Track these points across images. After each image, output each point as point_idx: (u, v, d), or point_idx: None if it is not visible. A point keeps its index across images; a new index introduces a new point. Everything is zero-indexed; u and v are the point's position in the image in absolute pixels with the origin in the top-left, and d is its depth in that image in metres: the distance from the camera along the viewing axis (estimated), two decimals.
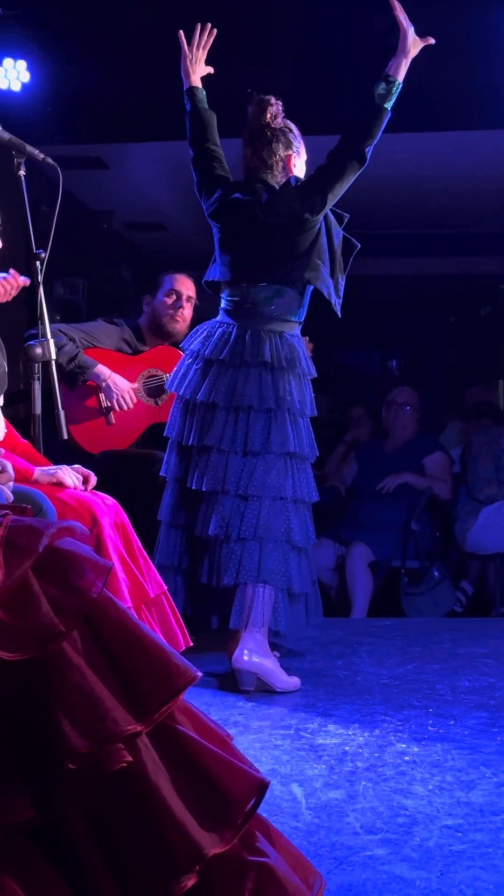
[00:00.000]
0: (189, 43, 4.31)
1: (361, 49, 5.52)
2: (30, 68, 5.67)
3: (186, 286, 4.94)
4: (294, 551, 4.00)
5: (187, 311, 4.92)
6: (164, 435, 4.18)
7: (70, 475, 3.38)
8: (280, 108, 4.14)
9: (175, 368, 4.20)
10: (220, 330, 4.09)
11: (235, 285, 4.13)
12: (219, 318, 4.18)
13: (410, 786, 2.85)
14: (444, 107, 5.95)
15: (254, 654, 3.87)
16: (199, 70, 4.33)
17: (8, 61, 5.65)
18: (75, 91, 5.93)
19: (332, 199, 4.04)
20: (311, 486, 4.09)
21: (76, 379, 4.57)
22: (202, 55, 4.33)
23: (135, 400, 4.68)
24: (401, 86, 4.02)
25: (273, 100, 4.13)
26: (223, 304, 4.18)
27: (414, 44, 4.04)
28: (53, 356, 3.59)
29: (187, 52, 4.31)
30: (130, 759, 1.75)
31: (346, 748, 3.18)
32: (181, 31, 4.29)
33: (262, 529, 3.93)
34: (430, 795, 2.78)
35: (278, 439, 3.96)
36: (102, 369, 4.59)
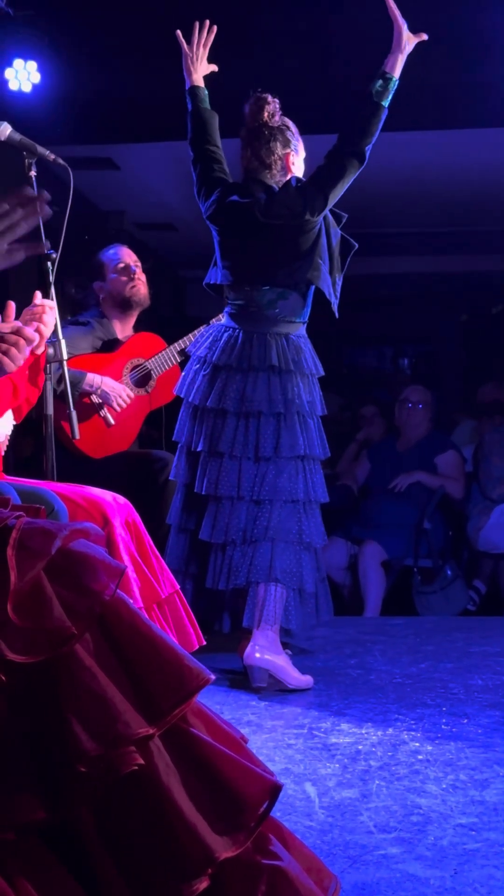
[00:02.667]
0: (189, 41, 4.31)
1: (359, 46, 5.53)
2: (40, 69, 5.68)
3: (129, 254, 4.91)
4: (306, 551, 4.01)
5: (142, 275, 4.88)
6: (174, 439, 4.20)
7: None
8: (277, 106, 4.14)
9: (183, 374, 4.23)
10: (226, 335, 4.11)
11: (238, 289, 4.14)
12: (224, 321, 4.20)
13: (424, 784, 2.85)
14: (455, 104, 5.95)
15: (266, 651, 3.88)
16: (200, 69, 4.33)
17: (18, 62, 5.65)
18: (86, 92, 5.93)
19: (333, 198, 4.04)
20: (322, 486, 4.11)
21: (73, 396, 4.51)
22: (203, 53, 4.33)
23: (131, 396, 4.67)
24: (397, 82, 4.02)
25: (270, 98, 4.14)
26: (227, 307, 4.19)
27: (408, 40, 4.04)
28: (65, 356, 3.59)
29: (187, 50, 4.31)
30: (142, 761, 1.75)
31: (360, 747, 3.18)
32: (179, 31, 4.28)
33: (273, 530, 3.95)
34: (444, 794, 2.78)
35: (288, 443, 3.98)
36: (93, 377, 4.55)
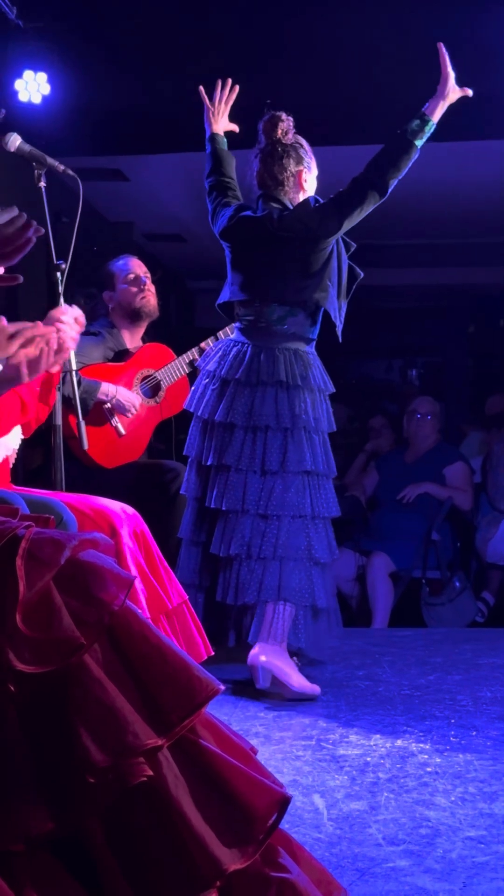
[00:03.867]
0: (211, 98, 4.38)
1: (366, 59, 5.55)
2: (50, 81, 5.69)
3: (139, 265, 4.92)
4: (317, 567, 4.04)
5: (152, 286, 4.89)
6: (184, 453, 4.22)
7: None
8: (291, 123, 4.18)
9: (193, 388, 4.25)
10: (235, 349, 4.13)
11: (248, 305, 4.16)
12: (234, 336, 4.22)
13: (433, 797, 2.84)
14: (462, 116, 5.95)
15: (270, 654, 3.89)
16: (221, 123, 4.42)
17: (28, 74, 5.66)
18: (95, 103, 5.95)
19: (348, 224, 4.05)
20: (331, 501, 4.12)
21: (87, 405, 4.51)
22: (224, 109, 4.41)
23: (145, 406, 4.67)
24: (434, 127, 4.03)
25: (284, 115, 4.17)
26: (237, 323, 4.21)
27: (453, 90, 4.05)
28: (74, 367, 3.60)
29: (209, 105, 4.39)
30: (151, 773, 1.74)
31: (368, 759, 3.18)
32: (202, 87, 4.36)
33: (282, 548, 3.96)
34: (453, 806, 2.77)
35: (295, 458, 3.99)
36: (107, 387, 4.55)
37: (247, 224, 4.14)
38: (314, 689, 3.95)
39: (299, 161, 4.16)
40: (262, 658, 3.89)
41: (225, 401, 4.05)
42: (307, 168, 4.19)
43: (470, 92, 4.07)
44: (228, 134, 4.42)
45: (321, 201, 4.09)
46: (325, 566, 4.09)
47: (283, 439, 4.00)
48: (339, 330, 4.16)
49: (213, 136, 4.40)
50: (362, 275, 4.22)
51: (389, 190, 4.04)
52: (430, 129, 4.02)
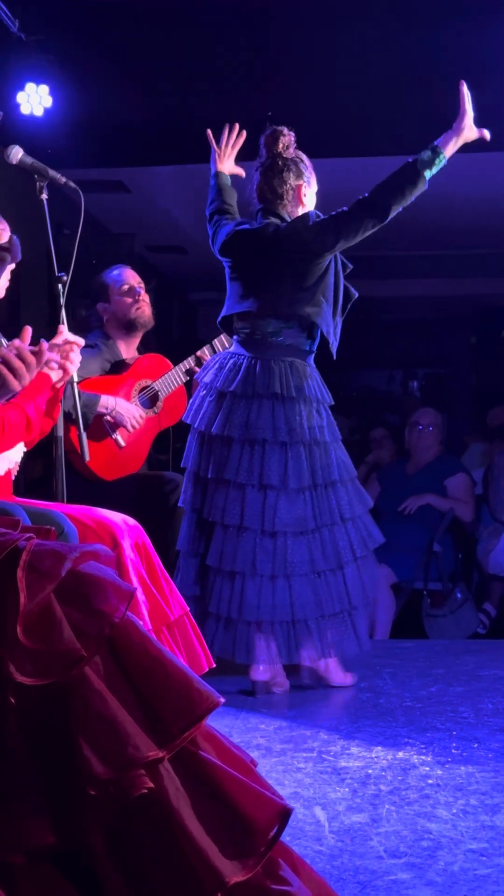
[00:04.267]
0: (218, 141, 4.44)
1: (365, 73, 5.56)
2: (52, 93, 5.71)
3: (133, 275, 4.90)
4: (328, 575, 4.09)
5: (146, 296, 4.89)
6: (182, 465, 4.23)
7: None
8: (293, 138, 4.21)
9: (190, 400, 4.28)
10: (231, 361, 4.15)
11: (245, 318, 4.19)
12: (231, 349, 4.25)
13: (434, 809, 2.83)
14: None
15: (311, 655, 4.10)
16: (226, 165, 4.48)
17: (30, 86, 5.68)
18: (97, 115, 5.96)
19: (344, 243, 4.07)
20: (344, 504, 4.14)
21: (87, 418, 4.49)
22: (231, 153, 4.47)
23: (144, 418, 4.67)
24: (445, 161, 4.03)
25: (286, 130, 4.20)
26: (235, 335, 4.24)
27: (469, 129, 4.05)
28: (76, 378, 3.59)
29: (216, 148, 4.45)
30: (152, 785, 1.74)
31: (370, 771, 3.17)
32: (210, 131, 4.40)
33: (289, 566, 4.01)
34: (455, 819, 2.76)
35: (295, 474, 4.02)
36: (107, 399, 4.54)
37: (245, 236, 4.18)
38: (353, 679, 4.25)
39: (299, 175, 4.19)
40: (307, 659, 4.12)
41: (222, 413, 4.06)
42: (307, 183, 4.22)
43: (487, 135, 4.07)
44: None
45: (322, 216, 4.10)
46: (328, 574, 4.10)
47: (281, 454, 4.02)
48: (333, 348, 4.18)
49: (218, 174, 4.47)
50: (356, 295, 4.25)
51: (390, 216, 4.04)
52: (440, 162, 4.02)
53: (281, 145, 4.17)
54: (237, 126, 4.43)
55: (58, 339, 3.11)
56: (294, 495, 4.03)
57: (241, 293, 4.19)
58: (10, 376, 2.50)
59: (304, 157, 4.23)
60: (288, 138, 4.19)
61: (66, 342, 3.12)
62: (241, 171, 4.48)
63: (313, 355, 4.22)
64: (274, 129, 4.20)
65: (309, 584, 4.05)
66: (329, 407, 4.22)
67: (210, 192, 4.47)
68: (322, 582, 4.09)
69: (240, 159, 4.41)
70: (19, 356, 2.54)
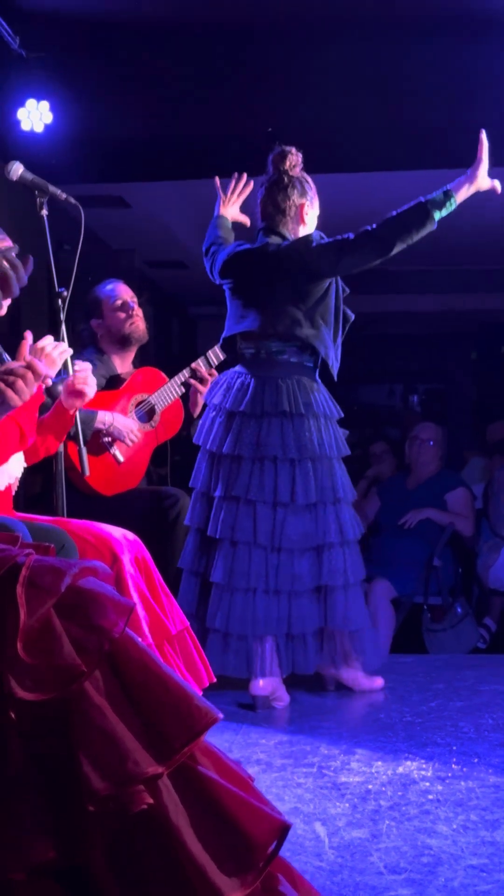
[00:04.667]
0: (225, 190, 4.54)
1: (360, 89, 5.58)
2: (52, 109, 5.73)
3: (126, 290, 4.90)
4: (336, 592, 4.17)
5: (139, 310, 4.89)
6: (190, 485, 4.29)
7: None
8: (300, 159, 4.26)
9: (200, 422, 4.34)
10: (238, 381, 4.20)
11: (248, 338, 4.23)
12: (237, 368, 4.28)
13: (434, 825, 2.83)
14: (463, 144, 5.98)
15: (337, 664, 4.26)
16: (230, 211, 4.56)
17: (31, 103, 5.70)
18: (97, 131, 5.99)
19: (343, 270, 4.12)
20: (346, 524, 4.19)
21: (84, 435, 4.48)
22: (237, 200, 4.56)
23: (141, 432, 4.67)
24: (455, 206, 4.05)
25: (294, 150, 4.25)
26: (241, 355, 4.29)
27: (483, 178, 4.07)
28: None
29: (221, 195, 4.53)
30: (151, 801, 1.74)
31: (370, 786, 3.16)
32: (217, 178, 4.49)
33: (298, 582, 4.06)
34: (455, 834, 2.75)
35: (303, 490, 4.06)
36: (104, 415, 4.53)
37: (244, 256, 4.23)
38: (380, 684, 4.38)
39: (303, 194, 4.25)
40: (332, 668, 4.28)
41: (232, 433, 4.11)
42: (310, 203, 4.28)
43: (499, 188, 4.09)
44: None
45: (326, 239, 4.14)
46: (339, 589, 4.17)
47: (290, 470, 4.06)
48: (334, 371, 4.24)
49: (219, 216, 4.55)
50: (353, 317, 4.31)
51: (394, 251, 4.08)
52: (451, 206, 4.04)
53: (288, 163, 4.23)
54: (244, 176, 4.50)
55: (41, 343, 3.08)
56: (302, 511, 4.08)
57: (241, 313, 4.23)
58: (9, 392, 2.50)
59: (309, 178, 4.29)
60: (295, 158, 4.24)
61: (53, 348, 3.09)
62: (245, 220, 4.55)
63: (318, 370, 4.26)
64: (282, 148, 4.26)
65: (312, 599, 4.10)
66: (338, 421, 4.27)
67: (208, 232, 4.54)
68: (323, 598, 4.15)
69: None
70: (16, 373, 2.54)
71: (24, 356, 2.62)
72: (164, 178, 7.12)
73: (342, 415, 4.29)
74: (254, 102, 5.62)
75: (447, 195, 4.02)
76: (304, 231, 4.26)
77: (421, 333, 13.16)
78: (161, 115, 5.99)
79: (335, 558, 4.14)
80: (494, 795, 3.06)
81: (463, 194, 4.05)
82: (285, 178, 4.22)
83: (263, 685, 4.08)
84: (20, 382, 2.49)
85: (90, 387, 3.27)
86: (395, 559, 6.53)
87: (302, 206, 4.25)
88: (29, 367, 2.53)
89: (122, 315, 4.79)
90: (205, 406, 4.42)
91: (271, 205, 4.24)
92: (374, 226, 4.07)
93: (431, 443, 6.91)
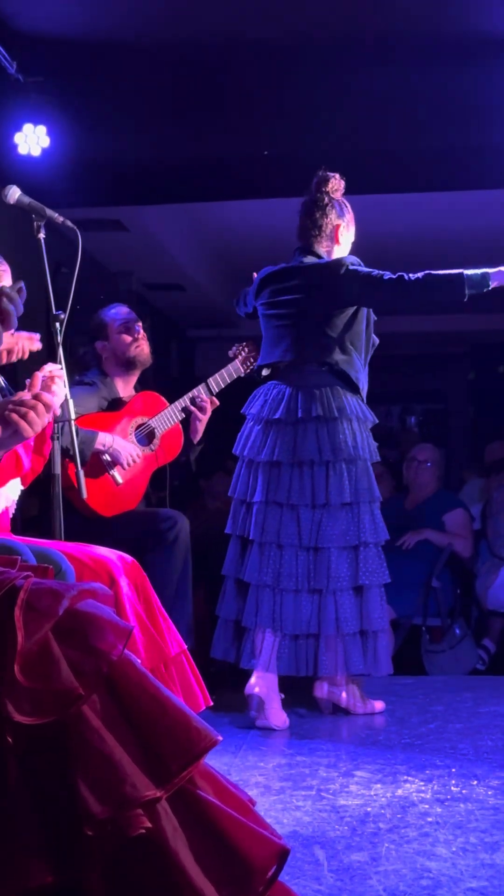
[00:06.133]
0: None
1: (357, 111, 5.62)
2: (49, 133, 5.74)
3: (131, 314, 4.91)
4: (365, 593, 4.30)
5: (144, 334, 4.91)
6: (229, 495, 4.49)
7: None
8: (342, 185, 4.44)
9: (239, 432, 4.49)
10: (274, 391, 4.38)
11: (283, 361, 4.42)
12: (274, 380, 4.44)
13: (434, 847, 2.82)
14: (462, 166, 6.01)
15: (333, 685, 4.39)
16: None
17: (28, 127, 5.71)
18: (94, 155, 6.01)
19: (366, 303, 4.30)
20: (380, 527, 4.36)
21: (84, 455, 4.48)
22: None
23: (141, 455, 4.67)
24: (485, 290, 4.17)
25: (338, 176, 4.44)
26: (276, 369, 4.46)
27: None
28: (73, 416, 3.59)
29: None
30: (150, 825, 1.74)
31: (369, 809, 3.15)
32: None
33: (333, 581, 4.21)
34: (454, 857, 2.75)
35: (337, 490, 4.22)
36: (104, 436, 4.54)
37: (278, 273, 4.44)
38: (380, 707, 4.46)
39: (341, 216, 4.44)
40: (324, 692, 4.38)
41: (269, 441, 4.30)
42: (346, 226, 4.46)
43: None
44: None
45: (360, 267, 4.28)
46: (368, 590, 4.30)
47: (325, 472, 4.23)
48: (363, 394, 4.40)
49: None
50: (377, 342, 4.48)
51: (412, 306, 4.20)
52: (483, 288, 4.17)
53: (330, 186, 4.42)
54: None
55: (45, 371, 3.08)
56: (337, 511, 4.23)
57: (275, 338, 4.43)
58: (22, 423, 2.50)
59: (347, 204, 4.46)
60: (338, 183, 4.44)
61: (51, 376, 3.09)
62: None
63: (354, 381, 4.39)
64: (327, 173, 4.43)
65: (350, 597, 4.26)
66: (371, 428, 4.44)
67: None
68: (360, 598, 4.31)
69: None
70: (27, 405, 2.54)
71: (34, 389, 2.62)
72: (161, 201, 7.14)
73: (377, 421, 4.45)
74: (251, 126, 5.64)
75: (485, 279, 4.15)
76: (338, 251, 4.44)
77: (419, 354, 13.18)
78: (158, 139, 6.01)
79: (371, 557, 4.29)
80: (494, 818, 3.05)
81: (497, 283, 4.18)
82: (326, 198, 4.40)
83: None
84: (32, 414, 2.49)
85: (57, 395, 3.22)
86: (393, 580, 6.50)
87: (338, 227, 4.43)
88: (38, 398, 2.53)
89: (128, 338, 4.81)
90: (204, 437, 4.69)
91: (309, 221, 4.42)
92: (411, 276, 4.18)
93: (429, 464, 6.92)
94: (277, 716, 4.20)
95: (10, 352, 3.39)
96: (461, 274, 4.12)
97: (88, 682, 1.80)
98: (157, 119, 5.89)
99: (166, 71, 5.60)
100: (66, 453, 3.78)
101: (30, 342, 3.42)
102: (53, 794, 1.76)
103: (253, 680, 4.23)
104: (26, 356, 3.54)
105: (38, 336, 3.42)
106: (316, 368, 4.30)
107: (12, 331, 2.58)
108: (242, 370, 4.93)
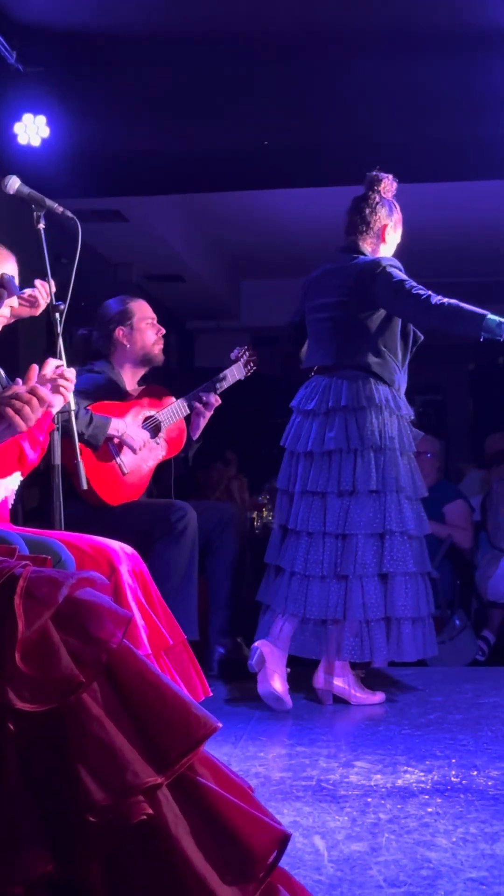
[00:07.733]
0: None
1: (357, 102, 5.61)
2: (49, 124, 5.73)
3: (148, 307, 4.90)
4: (391, 580, 4.32)
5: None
6: (276, 485, 4.63)
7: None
8: (394, 187, 4.53)
9: (287, 425, 4.60)
10: (312, 384, 4.51)
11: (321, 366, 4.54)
12: (316, 375, 4.56)
13: (434, 838, 2.82)
14: (464, 158, 6.00)
15: (331, 676, 4.39)
16: None
17: (28, 117, 5.70)
18: (94, 145, 5.99)
19: (391, 305, 4.37)
20: (406, 517, 4.36)
21: (97, 440, 4.46)
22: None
23: (151, 445, 4.66)
24: (500, 338, 4.14)
25: (391, 178, 4.52)
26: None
27: None
28: (73, 407, 3.58)
29: None
30: (151, 811, 1.74)
31: (369, 799, 3.15)
32: None
33: (359, 567, 4.26)
34: (454, 847, 2.74)
35: (363, 478, 4.29)
36: (117, 422, 4.52)
37: (324, 275, 4.54)
38: (380, 697, 4.46)
39: (390, 216, 4.53)
40: (323, 682, 4.40)
41: (304, 431, 4.46)
42: (393, 227, 4.56)
43: None
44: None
45: (395, 272, 4.35)
46: (403, 577, 4.33)
47: (353, 460, 4.31)
48: (401, 393, 4.51)
49: None
50: (422, 338, 4.58)
51: (427, 326, 4.41)
52: (497, 337, 4.14)
53: (383, 186, 4.50)
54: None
55: (47, 370, 3.07)
56: (364, 498, 4.30)
57: (317, 340, 4.55)
58: (16, 418, 2.50)
59: (397, 206, 4.54)
60: (390, 185, 4.53)
61: (61, 375, 3.08)
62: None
63: (393, 377, 4.49)
64: (380, 173, 4.51)
65: (375, 584, 4.30)
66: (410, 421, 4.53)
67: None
68: (385, 585, 4.33)
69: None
70: (22, 398, 2.54)
71: (30, 382, 2.61)
72: (161, 192, 7.13)
73: (413, 415, 4.53)
74: (251, 117, 5.63)
75: (500, 328, 4.13)
76: (383, 250, 4.54)
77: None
78: (158, 129, 6.00)
79: (396, 546, 4.31)
80: (493, 808, 3.05)
81: None
82: (377, 197, 4.49)
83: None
84: (27, 409, 2.49)
85: (68, 391, 3.20)
86: None
87: (385, 226, 4.53)
88: (33, 392, 2.53)
89: (155, 335, 4.79)
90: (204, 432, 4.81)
91: (358, 217, 4.51)
92: (439, 300, 4.24)
93: (429, 455, 6.91)
94: (279, 682, 4.25)
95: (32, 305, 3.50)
96: (484, 316, 4.14)
97: (88, 671, 1.80)
98: (157, 109, 5.88)
99: (166, 61, 5.58)
100: (81, 437, 3.78)
101: (42, 288, 3.47)
102: (53, 782, 1.76)
103: (259, 644, 4.31)
104: (48, 298, 3.58)
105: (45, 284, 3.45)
106: (350, 373, 4.39)
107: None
108: (244, 373, 4.96)
